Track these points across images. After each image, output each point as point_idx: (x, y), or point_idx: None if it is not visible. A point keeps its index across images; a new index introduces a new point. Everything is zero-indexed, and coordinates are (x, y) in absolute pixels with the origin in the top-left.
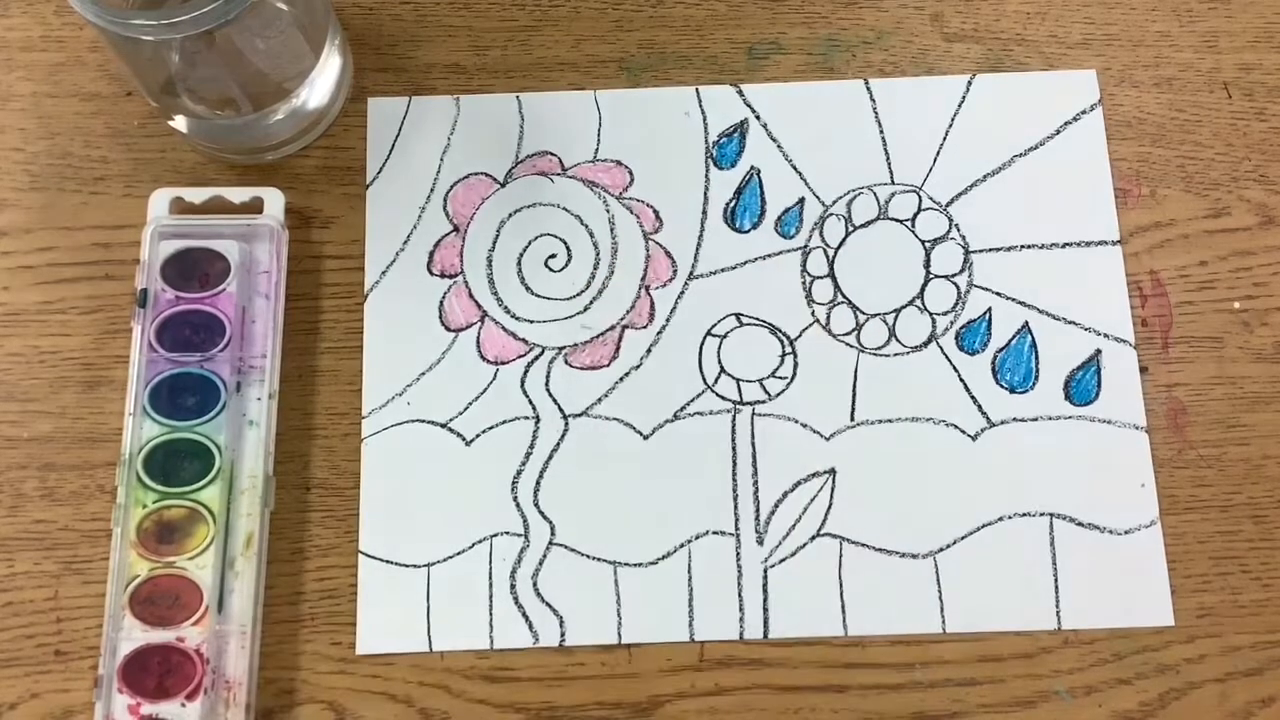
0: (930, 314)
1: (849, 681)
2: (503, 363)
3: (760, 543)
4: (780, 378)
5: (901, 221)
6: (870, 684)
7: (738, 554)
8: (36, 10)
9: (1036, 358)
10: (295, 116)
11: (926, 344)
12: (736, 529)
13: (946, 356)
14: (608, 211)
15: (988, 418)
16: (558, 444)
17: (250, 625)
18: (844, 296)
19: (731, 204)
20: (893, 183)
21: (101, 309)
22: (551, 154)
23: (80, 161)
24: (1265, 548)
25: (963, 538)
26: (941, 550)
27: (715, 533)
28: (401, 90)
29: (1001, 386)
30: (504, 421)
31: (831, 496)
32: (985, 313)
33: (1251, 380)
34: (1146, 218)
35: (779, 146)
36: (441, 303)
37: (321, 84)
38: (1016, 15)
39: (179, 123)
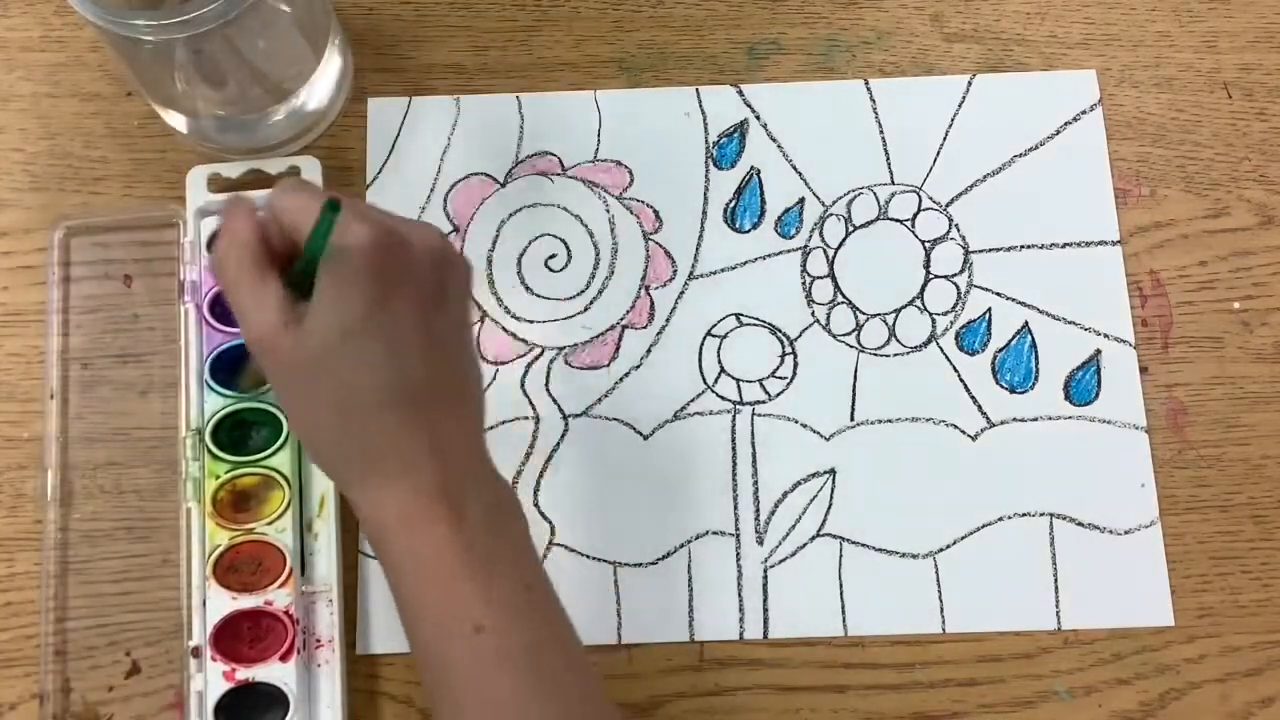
0: (930, 314)
1: (849, 681)
2: (502, 363)
3: (760, 543)
4: (780, 378)
5: (901, 221)
6: (870, 684)
7: (738, 554)
8: (36, 10)
9: (1036, 358)
10: (295, 116)
11: (926, 344)
12: (736, 529)
13: (946, 356)
14: (608, 212)
15: (988, 418)
16: (557, 444)
17: (335, 584)
18: (844, 296)
19: (731, 204)
20: (893, 183)
21: (101, 309)
22: (551, 154)
23: (80, 161)
24: (1265, 548)
25: (963, 538)
26: (941, 550)
27: (715, 533)
28: (401, 90)
29: (1001, 386)
30: (504, 422)
31: (831, 496)
32: (985, 313)
33: (1251, 380)
34: (1146, 218)
35: (779, 146)
36: None
37: (321, 84)
38: (1016, 15)
39: (179, 123)
